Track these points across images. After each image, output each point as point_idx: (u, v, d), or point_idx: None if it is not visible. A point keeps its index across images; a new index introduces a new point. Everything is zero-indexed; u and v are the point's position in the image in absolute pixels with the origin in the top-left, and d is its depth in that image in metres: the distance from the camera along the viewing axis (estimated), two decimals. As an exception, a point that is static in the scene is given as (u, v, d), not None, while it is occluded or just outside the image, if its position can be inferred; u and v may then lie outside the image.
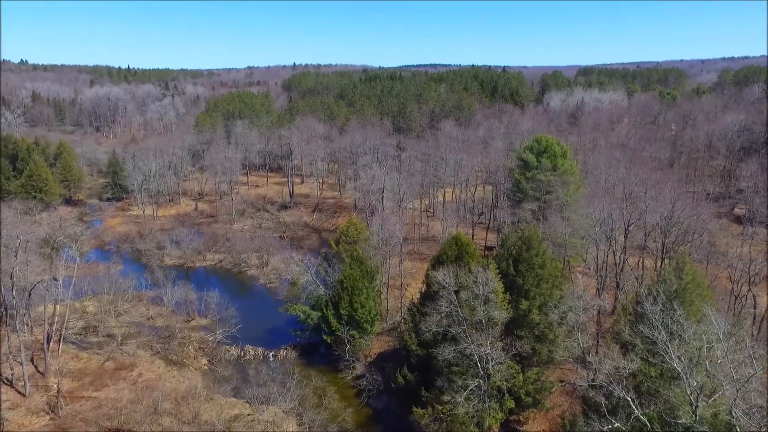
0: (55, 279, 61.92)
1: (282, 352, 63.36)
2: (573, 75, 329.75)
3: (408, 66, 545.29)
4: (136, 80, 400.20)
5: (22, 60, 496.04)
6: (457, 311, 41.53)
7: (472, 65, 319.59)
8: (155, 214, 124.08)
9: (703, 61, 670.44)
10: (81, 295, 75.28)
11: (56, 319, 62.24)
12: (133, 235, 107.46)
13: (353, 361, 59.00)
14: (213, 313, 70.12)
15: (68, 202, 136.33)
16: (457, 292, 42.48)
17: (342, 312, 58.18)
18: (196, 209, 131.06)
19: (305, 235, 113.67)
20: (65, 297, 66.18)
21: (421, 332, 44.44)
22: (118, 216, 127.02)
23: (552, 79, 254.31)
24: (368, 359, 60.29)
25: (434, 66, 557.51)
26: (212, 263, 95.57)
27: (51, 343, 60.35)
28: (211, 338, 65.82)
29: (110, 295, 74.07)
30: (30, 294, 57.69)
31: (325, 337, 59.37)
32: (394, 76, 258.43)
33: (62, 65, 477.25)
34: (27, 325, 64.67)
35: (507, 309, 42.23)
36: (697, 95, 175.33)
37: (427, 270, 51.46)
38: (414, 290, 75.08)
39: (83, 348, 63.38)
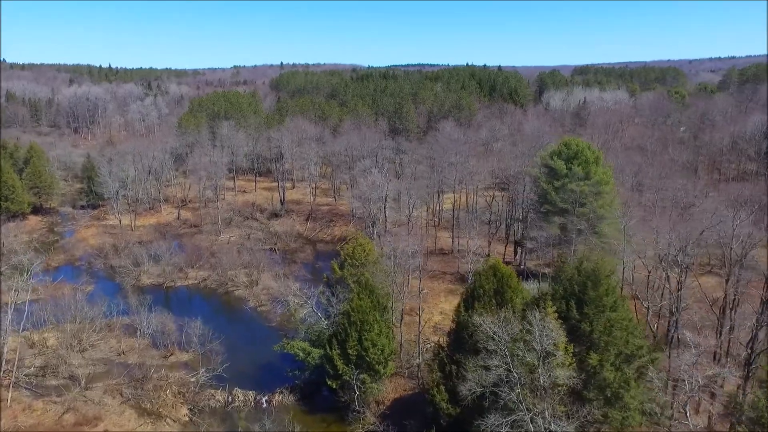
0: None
1: (277, 397, 53.45)
2: (567, 75, 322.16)
3: (397, 65, 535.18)
4: (118, 79, 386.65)
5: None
6: (509, 372, 32.07)
7: (467, 64, 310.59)
8: (133, 224, 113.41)
9: (690, 61, 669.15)
10: (41, 324, 65.10)
11: (3, 359, 51.93)
12: (108, 248, 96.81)
13: (363, 410, 49.38)
14: (195, 346, 60.11)
15: (38, 210, 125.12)
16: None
17: (350, 351, 48.52)
18: (178, 218, 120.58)
19: (299, 247, 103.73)
20: (18, 328, 56.22)
21: (461, 394, 34.85)
22: (92, 226, 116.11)
23: (550, 78, 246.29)
24: (381, 407, 50.68)
25: (422, 66, 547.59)
26: (195, 282, 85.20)
27: (-1, 390, 50.28)
28: (192, 379, 55.70)
29: (75, 325, 63.78)
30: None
31: (329, 382, 49.59)
32: (387, 74, 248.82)
33: (41, 64, 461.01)
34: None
35: (571, 364, 32.88)
36: (706, 94, 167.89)
37: (458, 308, 41.93)
38: (427, 317, 65.57)
39: (38, 395, 53.03)
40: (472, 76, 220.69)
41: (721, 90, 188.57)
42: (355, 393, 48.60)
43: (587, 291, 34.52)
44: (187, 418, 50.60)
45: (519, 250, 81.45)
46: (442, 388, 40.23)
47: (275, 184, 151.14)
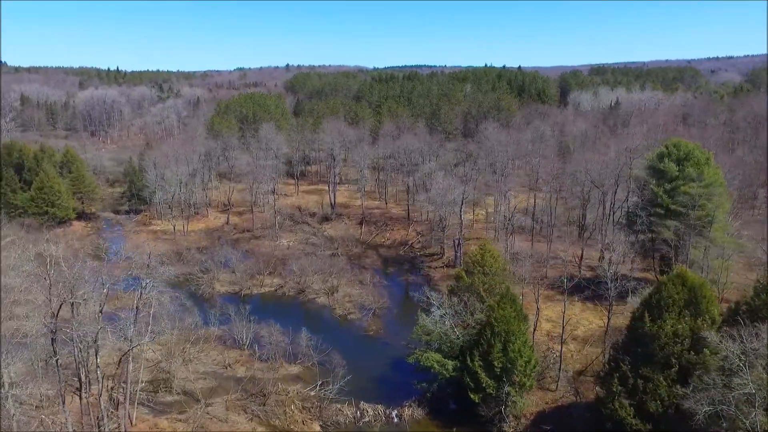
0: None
1: (407, 411, 51.25)
2: (584, 75, 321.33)
3: (406, 66, 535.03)
4: (127, 82, 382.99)
5: (1, 62, 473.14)
6: (749, 389, 30.10)
7: (485, 65, 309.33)
8: (185, 229, 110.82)
9: (689, 61, 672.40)
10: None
11: (129, 373, 49.39)
12: (169, 255, 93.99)
13: (508, 425, 47.25)
14: (306, 357, 57.90)
15: (80, 216, 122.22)
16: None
17: (494, 363, 46.46)
18: (228, 223, 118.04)
19: (361, 252, 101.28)
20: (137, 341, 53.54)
21: (687, 410, 32.81)
22: (141, 231, 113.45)
23: (573, 79, 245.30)
24: (521, 422, 48.55)
25: (419, 67, 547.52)
26: (271, 289, 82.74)
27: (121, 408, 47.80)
28: (312, 393, 53.41)
29: (172, 336, 61.14)
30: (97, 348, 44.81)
31: (472, 395, 47.48)
32: (412, 75, 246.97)
33: (46, 67, 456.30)
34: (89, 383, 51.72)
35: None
36: (743, 93, 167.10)
37: (639, 318, 39.74)
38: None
39: (158, 411, 50.73)
40: (499, 77, 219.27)
41: (755, 89, 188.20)
42: (503, 407, 46.52)
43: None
44: (321, 435, 48.34)
45: (604, 254, 79.59)
46: (625, 402, 38.20)
47: (314, 186, 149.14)
